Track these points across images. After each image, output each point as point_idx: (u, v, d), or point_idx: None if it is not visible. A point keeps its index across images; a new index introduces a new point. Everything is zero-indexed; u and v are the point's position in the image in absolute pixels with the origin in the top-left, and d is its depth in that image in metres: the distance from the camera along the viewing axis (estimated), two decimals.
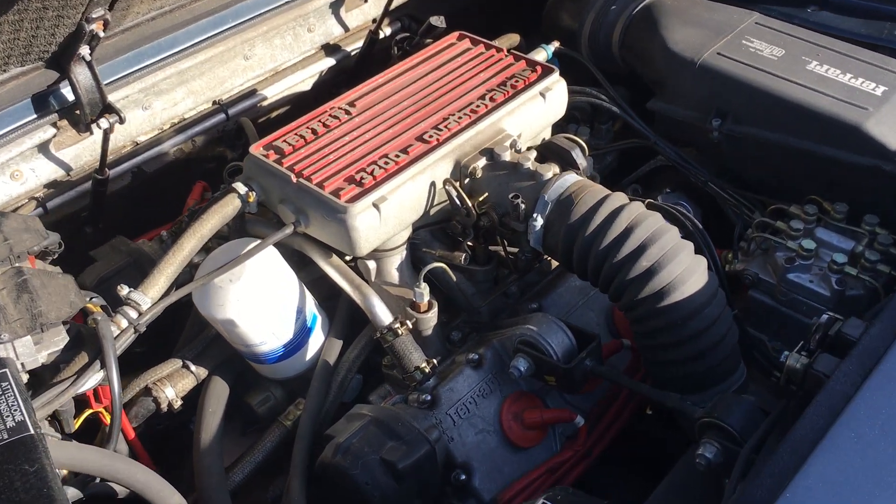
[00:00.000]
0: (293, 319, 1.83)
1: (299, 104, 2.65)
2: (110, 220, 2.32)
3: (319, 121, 1.96)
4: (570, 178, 1.82)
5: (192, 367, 1.90)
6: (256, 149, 1.89)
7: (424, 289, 1.82)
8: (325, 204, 1.75)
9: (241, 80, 2.43)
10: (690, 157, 2.17)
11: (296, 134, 1.92)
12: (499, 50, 2.17)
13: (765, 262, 1.91)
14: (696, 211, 2.16)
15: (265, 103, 2.54)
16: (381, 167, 1.81)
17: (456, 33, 2.24)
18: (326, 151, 1.87)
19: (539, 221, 1.77)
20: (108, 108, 1.93)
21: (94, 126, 1.94)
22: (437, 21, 2.55)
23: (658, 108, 2.19)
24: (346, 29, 2.66)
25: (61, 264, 1.95)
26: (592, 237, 1.72)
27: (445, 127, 1.92)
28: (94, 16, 1.71)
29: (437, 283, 1.95)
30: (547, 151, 2.02)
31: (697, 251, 1.75)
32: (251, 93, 2.49)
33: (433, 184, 1.85)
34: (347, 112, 1.99)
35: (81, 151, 2.14)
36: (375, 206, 1.75)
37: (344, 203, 1.73)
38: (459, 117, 1.95)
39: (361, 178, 1.79)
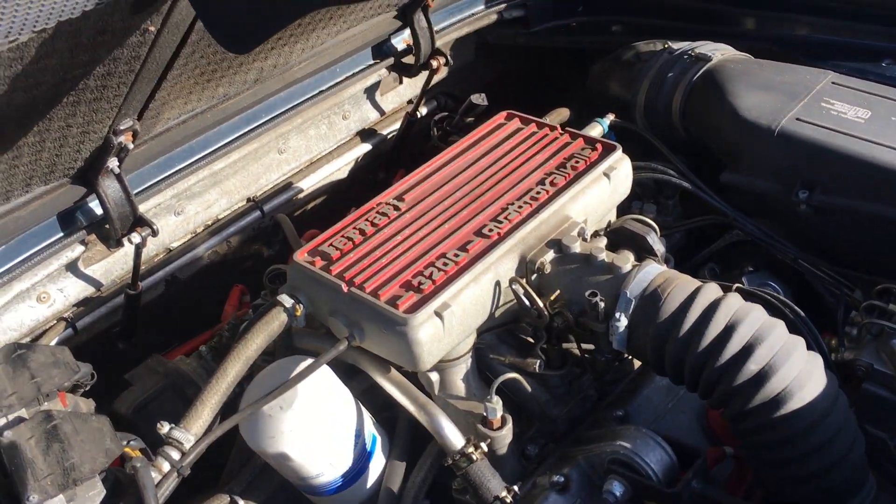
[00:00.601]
0: (352, 446, 1.63)
1: (336, 193, 2.51)
2: (145, 334, 2.16)
3: (367, 219, 1.79)
4: (653, 269, 1.62)
5: (242, 502, 1.69)
6: (301, 255, 1.72)
7: (497, 403, 1.62)
8: (381, 315, 1.57)
9: (276, 174, 2.29)
10: (770, 231, 1.97)
11: (342, 236, 1.75)
12: (552, 128, 2.01)
13: (878, 350, 1.69)
14: (786, 292, 1.95)
15: (301, 196, 2.39)
16: (439, 269, 1.63)
17: (503, 113, 2.08)
18: (378, 254, 1.69)
19: (623, 322, 1.57)
20: (140, 221, 1.77)
21: (125, 240, 1.78)
22: (479, 99, 2.40)
23: (732, 181, 2.00)
24: (382, 113, 2.52)
25: (95, 386, 1.79)
26: (688, 338, 1.51)
27: (505, 218, 1.74)
28: (122, 127, 1.57)
29: (508, 392, 1.75)
30: (618, 237, 1.84)
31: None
32: (286, 186, 2.35)
33: (498, 283, 1.67)
34: (396, 208, 1.82)
35: (112, 266, 1.99)
36: (438, 314, 1.56)
37: (403, 314, 1.54)
38: (520, 206, 1.77)
39: (419, 283, 1.61)
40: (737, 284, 1.79)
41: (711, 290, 1.57)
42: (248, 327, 1.66)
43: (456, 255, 1.66)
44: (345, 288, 1.62)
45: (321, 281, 1.66)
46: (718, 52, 2.19)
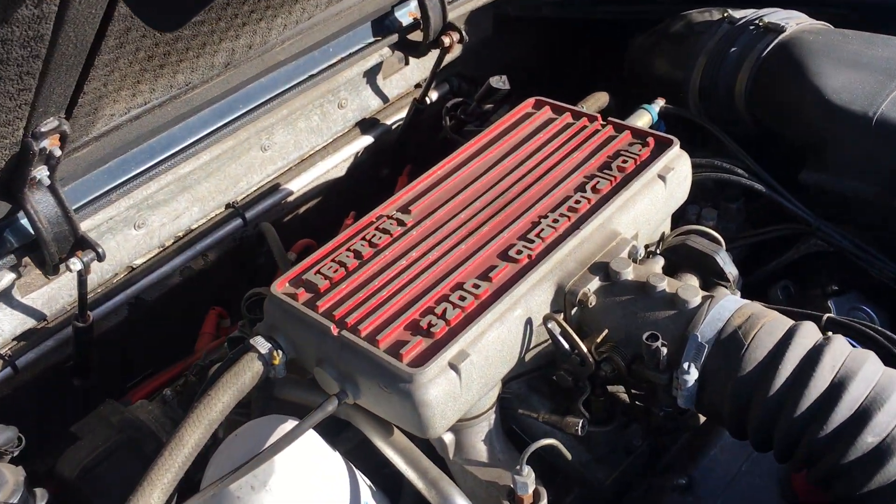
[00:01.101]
0: None
1: (333, 195, 2.15)
2: (106, 366, 1.83)
3: (364, 238, 1.43)
4: (730, 303, 1.26)
5: None
6: (280, 286, 1.37)
7: (529, 476, 1.26)
8: (380, 369, 1.22)
9: (259, 176, 1.93)
10: (863, 243, 1.60)
11: (333, 260, 1.40)
12: (591, 118, 1.64)
13: None
14: (882, 319, 1.58)
15: (291, 199, 2.04)
16: (455, 305, 1.28)
17: (531, 100, 1.71)
18: (377, 285, 1.34)
19: (692, 374, 1.21)
20: (82, 243, 1.42)
21: (64, 266, 1.44)
22: (499, 82, 2.03)
23: (815, 181, 1.62)
24: (385, 99, 2.16)
25: (39, 441, 1.46)
26: (780, 399, 1.16)
27: (538, 236, 1.38)
28: (44, 129, 1.21)
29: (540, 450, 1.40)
30: (677, 257, 1.47)
31: None
32: (273, 189, 1.99)
33: (529, 321, 1.31)
34: (400, 222, 1.46)
35: (56, 293, 1.65)
36: (453, 366, 1.21)
37: (408, 368, 1.19)
38: (555, 220, 1.41)
39: (429, 324, 1.25)
40: (828, 315, 1.42)
41: (809, 333, 1.20)
42: (212, 380, 1.32)
43: (476, 287, 1.31)
44: (334, 331, 1.27)
45: (305, 321, 1.30)
46: (792, 20, 1.80)
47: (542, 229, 1.39)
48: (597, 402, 1.38)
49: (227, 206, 1.93)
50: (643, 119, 1.74)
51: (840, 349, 1.17)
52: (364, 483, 1.38)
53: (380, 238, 1.43)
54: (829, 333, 1.22)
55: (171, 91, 1.43)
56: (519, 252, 1.36)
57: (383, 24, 1.99)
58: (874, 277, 1.59)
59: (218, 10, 1.26)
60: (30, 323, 1.63)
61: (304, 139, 1.99)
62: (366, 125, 2.17)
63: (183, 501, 1.22)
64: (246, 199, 1.95)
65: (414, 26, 2.02)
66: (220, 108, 1.67)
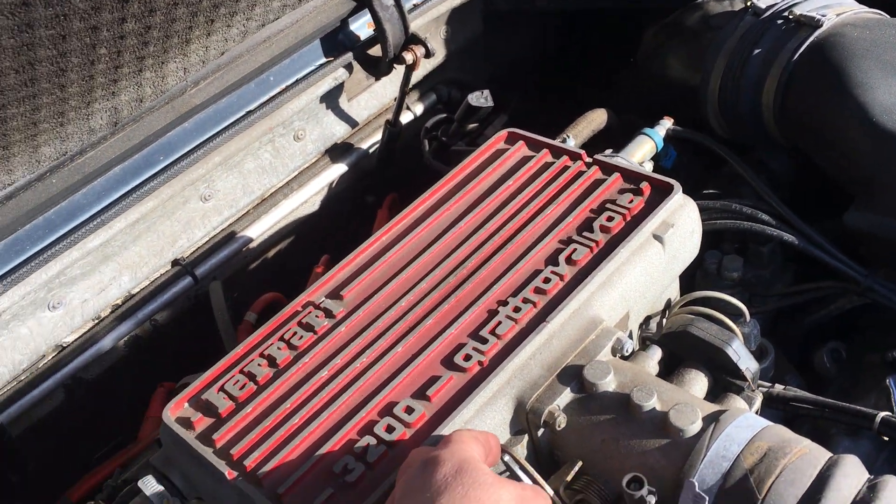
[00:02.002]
0: None
1: (306, 234, 1.88)
2: (47, 454, 1.61)
3: (282, 338, 1.15)
4: (738, 431, 0.94)
5: None
6: (176, 409, 1.10)
7: None
8: None
9: (203, 230, 1.67)
10: None
11: (242, 371, 1.12)
12: (574, 156, 1.31)
13: None
14: None
15: (252, 246, 1.77)
16: (380, 441, 0.99)
17: (503, 134, 1.40)
18: (289, 407, 1.06)
19: None
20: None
21: None
22: (480, 99, 1.71)
23: (863, 223, 1.27)
24: (354, 124, 1.86)
25: None
26: None
27: (493, 333, 1.08)
28: None
29: None
30: (681, 348, 1.15)
31: None
32: (227, 238, 1.73)
33: None
34: (329, 313, 1.18)
35: None
36: None
37: None
38: (517, 308, 1.10)
39: (345, 469, 0.97)
40: (883, 415, 1.09)
41: (847, 479, 0.88)
42: None
43: (409, 411, 1.02)
44: (230, 476, 1.00)
45: (199, 459, 1.04)
46: (831, 9, 1.42)
47: (500, 322, 1.09)
48: None
49: (173, 263, 1.67)
50: (644, 148, 1.41)
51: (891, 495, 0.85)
52: None
53: (301, 337, 1.15)
54: (877, 476, 0.89)
55: (42, 166, 1.18)
56: (468, 357, 1.06)
57: (335, 41, 1.68)
58: None
59: (55, 79, 0.98)
60: None
61: (254, 181, 1.71)
62: (336, 153, 1.88)
63: None
64: (194, 255, 1.69)
65: (375, 40, 1.71)
66: (129, 166, 1.40)
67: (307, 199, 1.84)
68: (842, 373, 1.34)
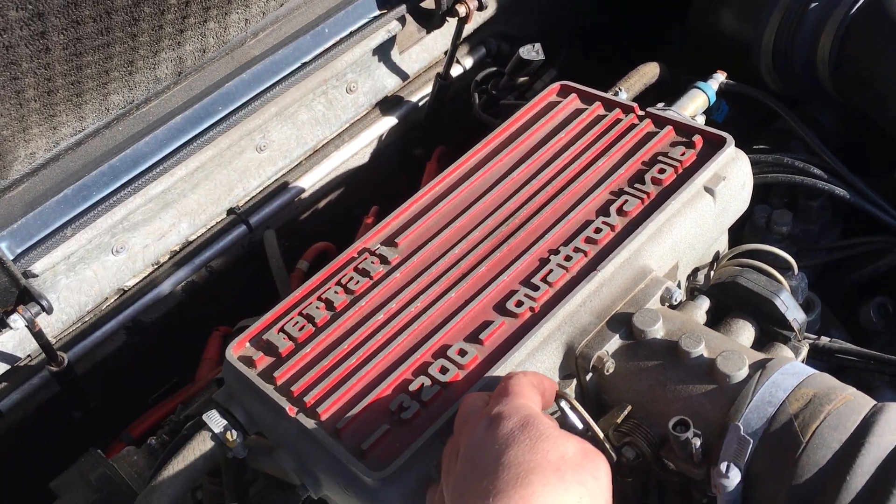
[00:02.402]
0: None
1: (357, 185, 1.91)
2: (109, 392, 1.69)
3: (339, 282, 1.20)
4: (784, 378, 0.96)
5: None
6: (238, 348, 1.16)
7: None
8: (340, 466, 1.00)
9: (258, 180, 1.71)
10: None
11: (301, 313, 1.17)
12: (626, 109, 1.33)
13: None
14: None
15: (304, 197, 1.81)
16: (434, 381, 1.04)
17: (555, 86, 1.41)
18: (346, 349, 1.11)
19: (733, 476, 0.93)
20: (25, 296, 1.25)
21: (11, 321, 1.27)
22: (531, 52, 1.72)
23: None
24: (405, 77, 1.88)
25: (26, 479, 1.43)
26: None
27: (544, 280, 1.11)
28: None
29: None
30: (729, 298, 1.17)
31: None
32: (281, 188, 1.77)
33: None
34: (384, 259, 1.21)
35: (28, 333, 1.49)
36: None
37: (371, 471, 0.96)
38: (568, 257, 1.13)
39: (401, 406, 1.02)
40: None
41: (891, 424, 0.90)
42: (160, 465, 1.13)
43: (462, 354, 1.06)
44: (291, 412, 1.05)
45: (261, 395, 1.09)
46: None
47: (551, 270, 1.12)
48: (624, 483, 1.12)
49: (229, 211, 1.73)
50: (697, 101, 1.41)
51: None
52: None
53: (357, 282, 1.19)
54: None
55: (111, 113, 1.22)
56: (519, 304, 1.09)
57: None
58: None
59: (128, 28, 1.02)
60: (6, 365, 1.50)
61: (307, 132, 1.74)
62: (386, 105, 1.90)
63: None
64: (248, 203, 1.74)
65: None
66: (190, 116, 1.45)
67: (357, 150, 1.87)
68: (888, 327, 1.35)
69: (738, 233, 1.46)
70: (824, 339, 1.20)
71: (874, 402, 0.94)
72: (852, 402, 0.93)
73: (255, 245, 1.78)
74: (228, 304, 1.74)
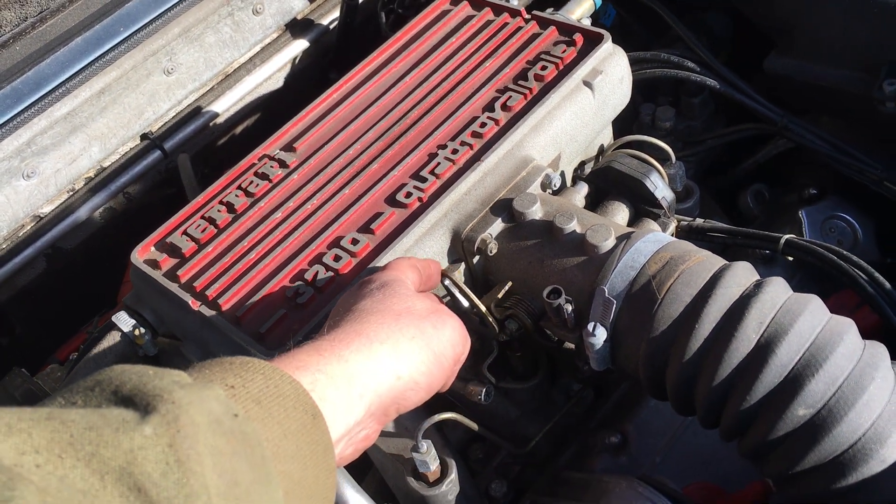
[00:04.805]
0: None
1: (272, 110, 1.94)
2: (32, 318, 1.73)
3: (240, 186, 1.25)
4: (645, 245, 1.05)
5: None
6: (144, 252, 1.21)
7: (428, 452, 1.12)
8: (240, 349, 1.06)
9: (168, 103, 1.73)
10: (840, 140, 1.34)
11: (203, 217, 1.22)
12: (514, 13, 1.38)
13: None
14: (864, 225, 1.35)
15: (218, 122, 1.84)
16: (328, 268, 1.10)
17: None
18: (245, 246, 1.16)
19: (600, 335, 1.02)
20: None
21: None
22: None
23: (782, 68, 1.35)
24: None
25: None
26: (697, 364, 0.97)
27: (432, 173, 1.17)
28: None
29: (465, 408, 1.24)
30: (606, 182, 1.25)
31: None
32: (194, 113, 1.79)
33: None
34: (283, 163, 1.27)
35: None
36: None
37: (267, 351, 1.03)
38: (455, 150, 1.19)
39: (297, 293, 1.08)
40: (786, 237, 1.20)
41: (737, 280, 0.99)
42: (74, 363, 1.19)
43: (354, 242, 1.12)
44: (193, 305, 1.11)
45: (165, 293, 1.15)
46: None
47: (439, 163, 1.18)
48: (514, 358, 1.21)
49: (142, 137, 1.75)
50: (583, 6, 1.47)
51: (772, 298, 0.96)
52: None
53: (257, 185, 1.24)
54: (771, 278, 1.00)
55: (4, 31, 1.23)
56: (408, 195, 1.16)
57: None
58: (855, 179, 1.34)
59: None
60: None
61: (216, 55, 1.77)
62: (297, 29, 1.93)
63: None
64: (162, 129, 1.76)
65: None
66: (90, 37, 1.46)
67: (270, 75, 1.90)
68: (763, 212, 1.45)
69: (627, 131, 1.53)
70: (698, 221, 1.29)
71: (724, 262, 1.03)
72: (704, 262, 1.02)
73: (171, 171, 1.80)
74: (148, 230, 1.78)
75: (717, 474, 1.20)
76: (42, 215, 1.66)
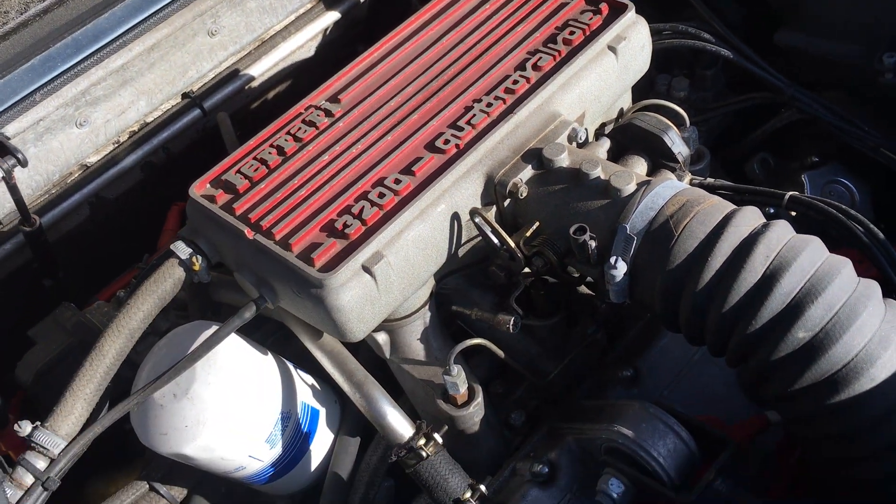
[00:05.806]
0: (278, 431, 1.29)
1: (302, 77, 2.04)
2: (75, 264, 1.82)
3: (288, 132, 1.35)
4: (664, 189, 1.16)
5: (164, 490, 1.38)
6: (200, 188, 1.31)
7: (458, 375, 1.23)
8: (292, 273, 1.17)
9: (210, 63, 1.84)
10: (842, 110, 1.45)
11: (255, 158, 1.33)
12: None
13: None
14: (862, 191, 1.46)
15: (254, 85, 1.94)
16: (373, 203, 1.21)
17: None
18: (296, 184, 1.27)
19: (621, 268, 1.13)
20: (1, 150, 1.38)
21: None
22: None
23: (791, 41, 1.46)
24: None
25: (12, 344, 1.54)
26: (708, 293, 1.07)
27: (468, 123, 1.28)
28: None
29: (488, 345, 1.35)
30: (627, 138, 1.36)
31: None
32: (232, 75, 1.90)
33: (456, 216, 1.23)
34: (328, 113, 1.37)
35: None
36: (367, 269, 1.15)
37: (318, 274, 1.14)
38: (489, 104, 1.30)
39: (345, 224, 1.19)
40: (790, 194, 1.31)
41: (746, 220, 1.10)
42: (134, 288, 1.29)
43: (397, 182, 1.23)
44: (249, 234, 1.22)
45: (222, 224, 1.25)
46: None
47: (474, 115, 1.29)
48: (537, 294, 1.32)
49: (184, 95, 1.85)
50: None
51: (777, 237, 1.07)
52: (305, 385, 1.37)
53: (305, 131, 1.35)
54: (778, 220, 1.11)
55: None
56: (447, 142, 1.27)
57: None
58: (855, 148, 1.45)
59: None
60: None
61: (255, 20, 1.87)
62: (330, 0, 2.03)
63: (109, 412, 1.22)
64: (202, 89, 1.86)
65: None
66: None
67: (303, 43, 2.00)
68: (769, 178, 1.56)
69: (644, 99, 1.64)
70: (709, 179, 1.40)
71: (735, 206, 1.14)
72: (717, 205, 1.13)
73: (209, 130, 1.91)
74: (185, 186, 1.88)
75: (718, 411, 1.31)
76: (89, 164, 1.76)
